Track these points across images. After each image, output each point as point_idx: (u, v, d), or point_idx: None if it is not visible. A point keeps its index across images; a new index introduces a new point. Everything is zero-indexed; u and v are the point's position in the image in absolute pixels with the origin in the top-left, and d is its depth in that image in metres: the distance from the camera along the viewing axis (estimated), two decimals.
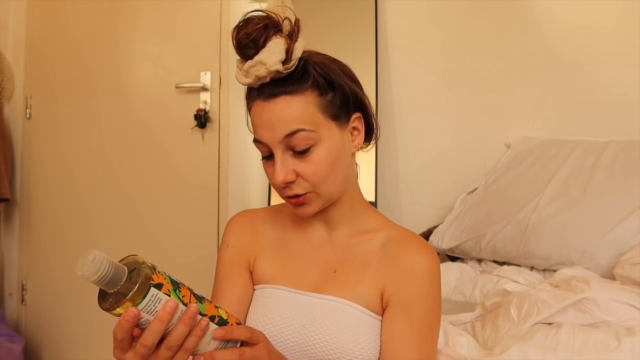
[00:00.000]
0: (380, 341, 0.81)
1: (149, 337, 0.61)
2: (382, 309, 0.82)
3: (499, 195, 1.57)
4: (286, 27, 0.77)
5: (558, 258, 1.34)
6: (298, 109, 0.77)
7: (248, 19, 0.78)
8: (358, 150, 0.86)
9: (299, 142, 0.77)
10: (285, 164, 0.78)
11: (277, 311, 0.83)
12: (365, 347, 0.79)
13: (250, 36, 0.76)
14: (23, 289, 2.41)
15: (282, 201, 0.87)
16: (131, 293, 0.59)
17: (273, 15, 0.78)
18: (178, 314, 0.61)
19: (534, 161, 1.57)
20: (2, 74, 2.30)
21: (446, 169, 1.88)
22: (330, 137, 0.79)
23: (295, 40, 0.76)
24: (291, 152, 0.78)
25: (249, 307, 0.88)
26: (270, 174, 0.81)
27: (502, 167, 1.65)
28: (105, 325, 2.51)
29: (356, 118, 0.84)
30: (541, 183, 1.47)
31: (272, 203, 1.98)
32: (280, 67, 0.75)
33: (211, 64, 2.09)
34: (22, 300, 2.41)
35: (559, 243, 1.34)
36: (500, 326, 1.00)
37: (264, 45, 0.75)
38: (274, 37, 0.76)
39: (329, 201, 0.83)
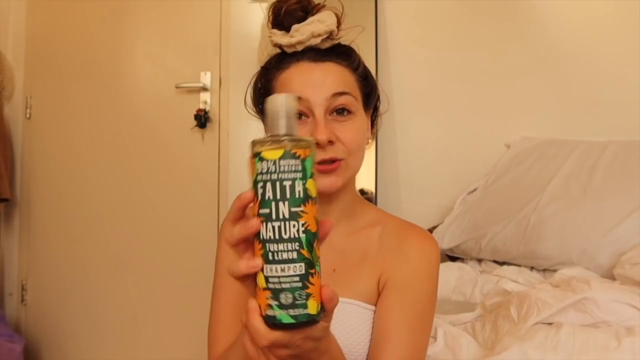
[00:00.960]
0: (373, 322, 0.80)
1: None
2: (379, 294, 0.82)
3: (499, 195, 1.57)
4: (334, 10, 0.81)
5: (558, 258, 1.34)
6: (345, 77, 0.80)
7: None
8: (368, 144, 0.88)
9: (345, 103, 0.78)
10: (327, 125, 0.77)
11: None
12: (366, 344, 0.79)
13: (301, 2, 0.78)
14: (23, 289, 2.41)
15: None
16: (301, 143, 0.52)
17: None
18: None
19: (534, 161, 1.57)
20: (2, 74, 2.30)
21: (446, 169, 1.88)
22: (363, 116, 0.82)
23: (342, 21, 0.80)
24: (331, 116, 0.78)
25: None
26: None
27: (502, 167, 1.64)
28: (106, 325, 2.52)
29: (371, 113, 0.87)
30: (541, 183, 1.47)
31: None
32: (335, 29, 0.78)
33: (211, 64, 2.09)
34: (22, 300, 2.41)
35: (559, 243, 1.34)
36: (500, 326, 1.00)
37: (313, 13, 0.78)
38: (326, 10, 0.79)
39: (349, 180, 0.83)
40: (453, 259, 1.62)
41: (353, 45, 0.85)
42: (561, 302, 0.97)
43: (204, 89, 2.09)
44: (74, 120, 2.32)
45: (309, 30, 0.77)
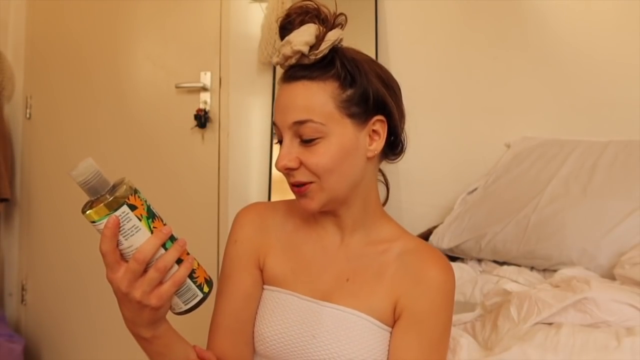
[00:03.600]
0: (388, 353, 0.79)
1: (144, 252, 0.64)
2: (394, 321, 0.81)
3: (499, 195, 1.57)
4: (327, 17, 0.78)
5: (558, 258, 1.34)
6: (313, 97, 0.77)
7: (297, 5, 0.79)
8: (374, 156, 0.83)
9: (307, 132, 0.77)
10: (290, 150, 0.78)
11: (286, 318, 0.81)
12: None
13: (289, 17, 0.78)
14: (23, 289, 2.41)
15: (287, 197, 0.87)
16: (104, 202, 0.64)
17: (320, 6, 0.78)
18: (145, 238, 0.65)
19: (534, 161, 1.57)
20: (2, 74, 2.30)
21: (446, 169, 1.88)
22: (342, 133, 0.78)
23: (329, 29, 0.77)
24: (299, 140, 0.78)
25: (257, 305, 0.86)
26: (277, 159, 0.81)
27: (502, 167, 1.64)
28: (106, 325, 2.52)
29: (377, 121, 0.81)
30: (541, 183, 1.47)
31: None
32: (304, 48, 0.75)
33: (211, 64, 2.09)
34: (22, 300, 2.41)
35: (559, 243, 1.34)
36: (500, 326, 1.00)
37: (297, 28, 0.77)
38: (309, 22, 0.77)
39: (333, 200, 0.81)
40: (453, 259, 1.62)
41: (355, 46, 0.83)
42: (561, 302, 0.97)
43: (204, 89, 2.09)
44: (74, 120, 2.32)
45: (281, 53, 0.77)
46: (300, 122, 0.76)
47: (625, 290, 1.03)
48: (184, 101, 2.12)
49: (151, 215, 0.66)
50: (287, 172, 0.79)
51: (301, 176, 0.78)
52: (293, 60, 0.77)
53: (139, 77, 2.24)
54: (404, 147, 0.90)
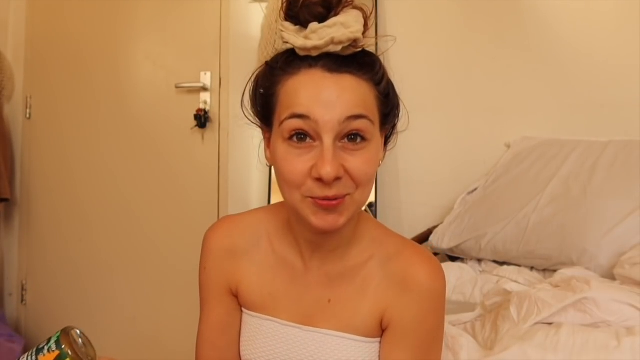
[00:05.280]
0: (379, 357, 0.76)
1: None
2: (382, 331, 0.76)
3: (499, 195, 1.57)
4: (362, 9, 0.67)
5: (558, 258, 1.34)
6: (365, 94, 0.66)
7: None
8: (379, 166, 0.76)
9: (360, 129, 0.65)
10: (336, 155, 0.64)
11: (269, 344, 0.77)
12: None
13: None
14: (23, 289, 2.41)
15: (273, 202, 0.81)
16: None
17: None
18: None
19: (534, 161, 1.57)
20: (2, 74, 2.30)
21: (446, 169, 1.88)
22: (378, 141, 0.70)
23: (369, 25, 0.67)
24: (341, 143, 0.66)
25: (237, 331, 0.82)
26: (296, 166, 0.66)
27: (502, 167, 1.65)
28: (105, 325, 2.51)
29: (385, 133, 0.75)
30: (541, 183, 1.47)
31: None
32: (360, 36, 0.64)
33: (211, 64, 2.09)
34: (22, 300, 2.41)
35: (559, 243, 1.34)
36: (500, 326, 1.00)
37: (336, 12, 0.65)
38: (351, 8, 0.66)
39: (353, 216, 0.71)
40: (453, 259, 1.62)
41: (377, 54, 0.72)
42: (561, 302, 0.97)
43: (204, 89, 2.09)
44: (74, 120, 2.32)
45: (329, 35, 0.63)
46: (356, 117, 0.65)
47: (625, 290, 1.03)
48: (184, 101, 2.12)
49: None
50: (330, 183, 0.64)
51: (342, 189, 0.66)
52: (338, 48, 0.64)
53: (139, 77, 2.24)
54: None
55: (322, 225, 0.67)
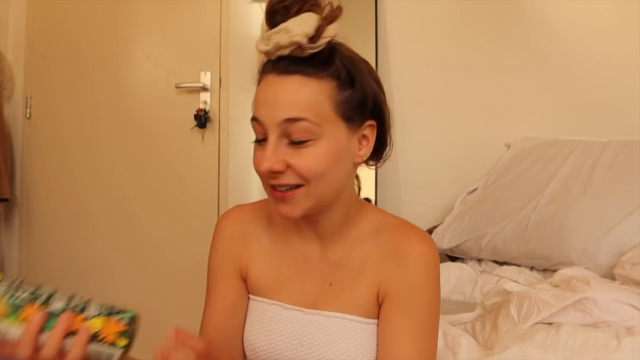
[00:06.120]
0: (377, 336, 0.78)
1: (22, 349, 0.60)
2: (379, 307, 0.79)
3: (499, 195, 1.57)
4: (325, 8, 0.70)
5: (558, 258, 1.34)
6: (309, 95, 0.70)
7: None
8: (361, 162, 0.79)
9: (299, 132, 0.70)
10: (277, 151, 0.70)
11: (273, 328, 0.81)
12: (365, 358, 0.77)
13: (283, 2, 0.69)
14: None
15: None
16: None
17: None
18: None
19: (534, 161, 1.57)
20: (2, 74, 2.30)
21: (446, 169, 1.88)
22: (335, 136, 0.72)
23: (330, 22, 0.70)
24: (287, 141, 0.71)
25: (244, 315, 0.84)
26: (257, 160, 0.73)
27: (502, 167, 1.64)
28: None
29: (369, 126, 0.77)
30: (541, 183, 1.47)
31: None
32: (303, 40, 0.68)
33: (211, 64, 2.09)
34: None
35: (559, 243, 1.34)
36: (500, 326, 1.00)
37: (295, 15, 0.69)
38: (308, 11, 0.69)
39: (318, 206, 0.75)
40: (453, 259, 1.62)
41: (351, 45, 0.76)
42: (561, 302, 0.97)
43: (204, 89, 2.09)
44: (73, 120, 2.32)
45: (274, 40, 0.69)
46: (293, 120, 0.69)
47: (625, 290, 1.03)
48: (184, 101, 2.12)
49: (15, 309, 0.63)
50: (272, 175, 0.71)
51: (288, 179, 0.72)
52: (286, 52, 0.69)
53: (139, 77, 2.24)
54: (389, 153, 0.83)
55: (282, 213, 0.75)
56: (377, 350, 0.78)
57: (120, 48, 2.26)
